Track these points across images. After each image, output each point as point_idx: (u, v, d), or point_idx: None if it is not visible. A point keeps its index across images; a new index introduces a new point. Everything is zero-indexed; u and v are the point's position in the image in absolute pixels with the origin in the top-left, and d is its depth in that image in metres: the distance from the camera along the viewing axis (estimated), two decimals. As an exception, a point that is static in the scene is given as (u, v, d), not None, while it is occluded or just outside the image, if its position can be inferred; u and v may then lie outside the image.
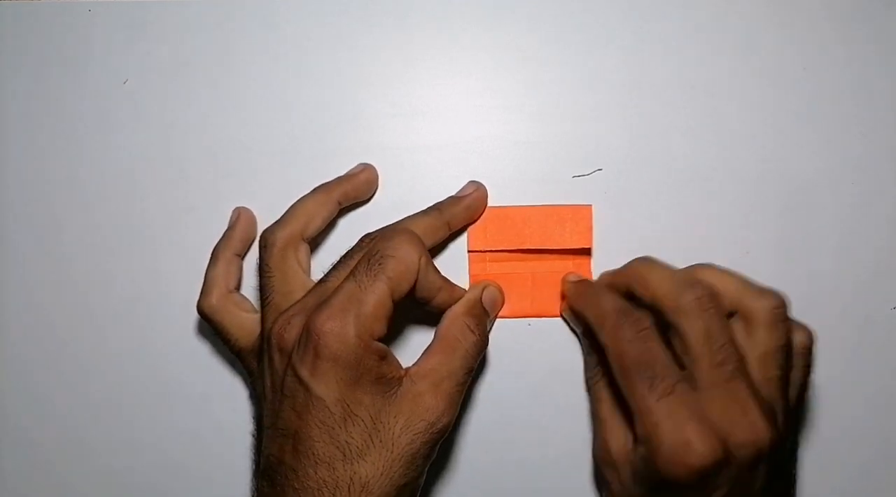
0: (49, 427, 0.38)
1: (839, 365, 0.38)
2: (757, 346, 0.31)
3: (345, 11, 0.39)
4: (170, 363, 0.38)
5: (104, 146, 0.39)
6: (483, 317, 0.34)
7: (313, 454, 0.29)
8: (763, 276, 0.38)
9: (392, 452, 0.30)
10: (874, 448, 0.38)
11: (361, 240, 0.34)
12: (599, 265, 0.38)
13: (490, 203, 0.38)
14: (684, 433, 0.28)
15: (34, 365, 0.38)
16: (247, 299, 0.36)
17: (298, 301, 0.32)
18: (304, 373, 0.29)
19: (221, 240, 0.37)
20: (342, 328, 0.29)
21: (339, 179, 0.37)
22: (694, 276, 0.32)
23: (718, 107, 0.38)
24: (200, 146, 0.39)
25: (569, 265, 0.37)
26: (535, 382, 0.38)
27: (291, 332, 0.31)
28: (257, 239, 0.36)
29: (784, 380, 0.31)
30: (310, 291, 0.32)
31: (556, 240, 0.37)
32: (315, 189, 0.36)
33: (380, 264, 0.30)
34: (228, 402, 0.38)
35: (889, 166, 0.38)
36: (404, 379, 0.31)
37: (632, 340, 0.31)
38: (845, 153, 0.38)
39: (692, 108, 0.38)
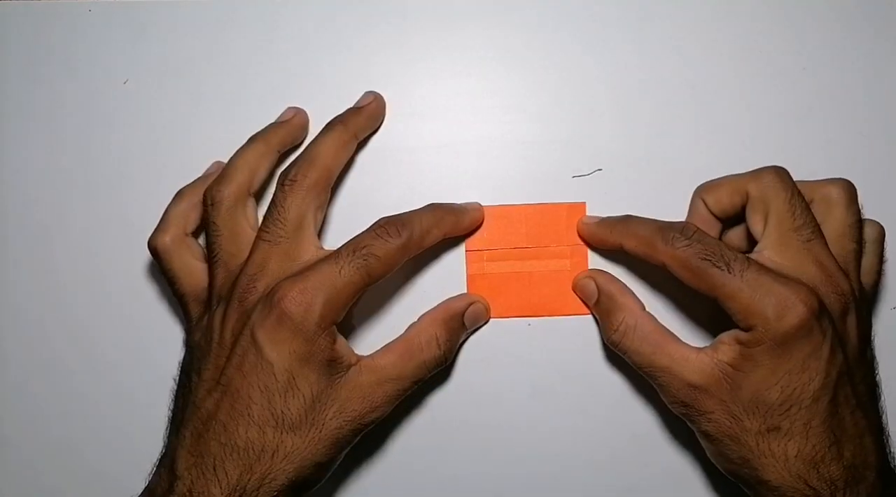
0: (41, 425, 0.38)
1: (839, 365, 0.38)
2: (834, 223, 0.33)
3: (345, 12, 0.39)
4: (167, 363, 0.38)
5: (104, 146, 0.39)
6: (457, 332, 0.35)
7: (248, 415, 0.30)
8: (763, 276, 0.38)
9: (320, 432, 0.31)
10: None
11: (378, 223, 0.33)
12: (597, 264, 0.38)
13: (488, 202, 0.38)
14: (779, 293, 0.30)
15: (31, 365, 0.38)
16: (200, 247, 0.36)
17: (265, 266, 0.32)
18: (261, 335, 0.31)
19: (195, 181, 0.37)
20: (310, 305, 0.30)
21: (274, 127, 0.37)
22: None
23: (718, 107, 0.38)
24: (200, 146, 0.38)
25: (566, 264, 0.37)
26: (535, 382, 0.38)
27: (255, 294, 0.32)
28: (210, 194, 0.34)
29: (859, 253, 0.33)
30: (275, 254, 0.32)
31: (552, 237, 0.37)
32: (251, 140, 0.36)
33: (365, 259, 0.31)
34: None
35: (889, 166, 0.38)
36: (353, 367, 0.32)
37: (689, 244, 0.32)
38: (845, 153, 0.38)
39: (692, 108, 0.38)
